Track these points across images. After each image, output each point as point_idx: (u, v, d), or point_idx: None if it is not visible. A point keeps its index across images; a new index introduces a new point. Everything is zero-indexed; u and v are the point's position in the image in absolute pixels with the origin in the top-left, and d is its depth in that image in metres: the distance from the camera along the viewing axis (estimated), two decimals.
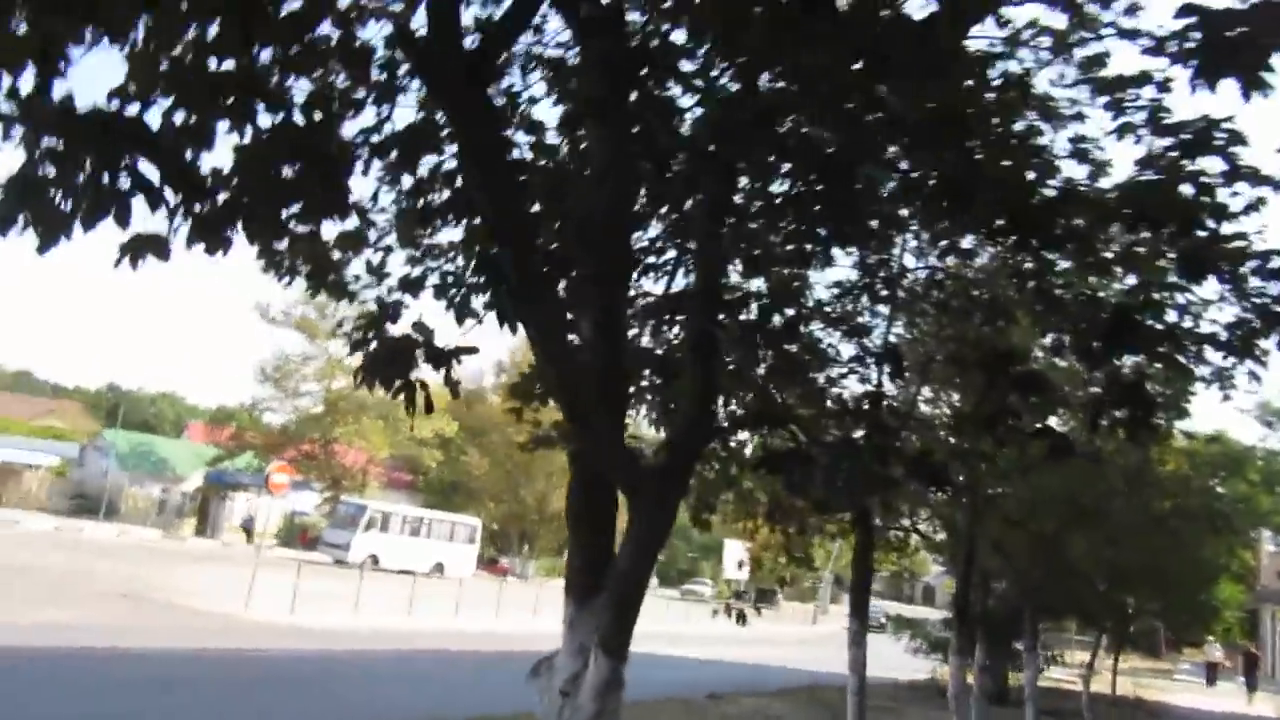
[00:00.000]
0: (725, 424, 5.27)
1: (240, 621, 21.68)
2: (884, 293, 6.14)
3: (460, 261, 5.08)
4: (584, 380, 3.93)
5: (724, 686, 19.55)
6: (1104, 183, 5.89)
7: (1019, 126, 5.36)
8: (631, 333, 5.76)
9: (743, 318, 4.92)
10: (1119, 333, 5.01)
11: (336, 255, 4.64)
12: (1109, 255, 5.65)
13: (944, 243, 5.81)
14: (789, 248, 4.85)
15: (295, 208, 3.53)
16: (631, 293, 5.57)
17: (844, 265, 6.19)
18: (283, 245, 3.85)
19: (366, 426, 51.01)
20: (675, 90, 4.47)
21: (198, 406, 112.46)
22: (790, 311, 4.78)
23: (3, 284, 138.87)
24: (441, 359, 4.24)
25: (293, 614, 23.52)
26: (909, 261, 6.42)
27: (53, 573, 24.75)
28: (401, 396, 4.25)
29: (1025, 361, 5.63)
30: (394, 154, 4.54)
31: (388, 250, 5.16)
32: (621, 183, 4.12)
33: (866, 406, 5.43)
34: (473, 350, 4.30)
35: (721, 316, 4.71)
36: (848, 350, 6.43)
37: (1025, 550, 12.76)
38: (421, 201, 4.80)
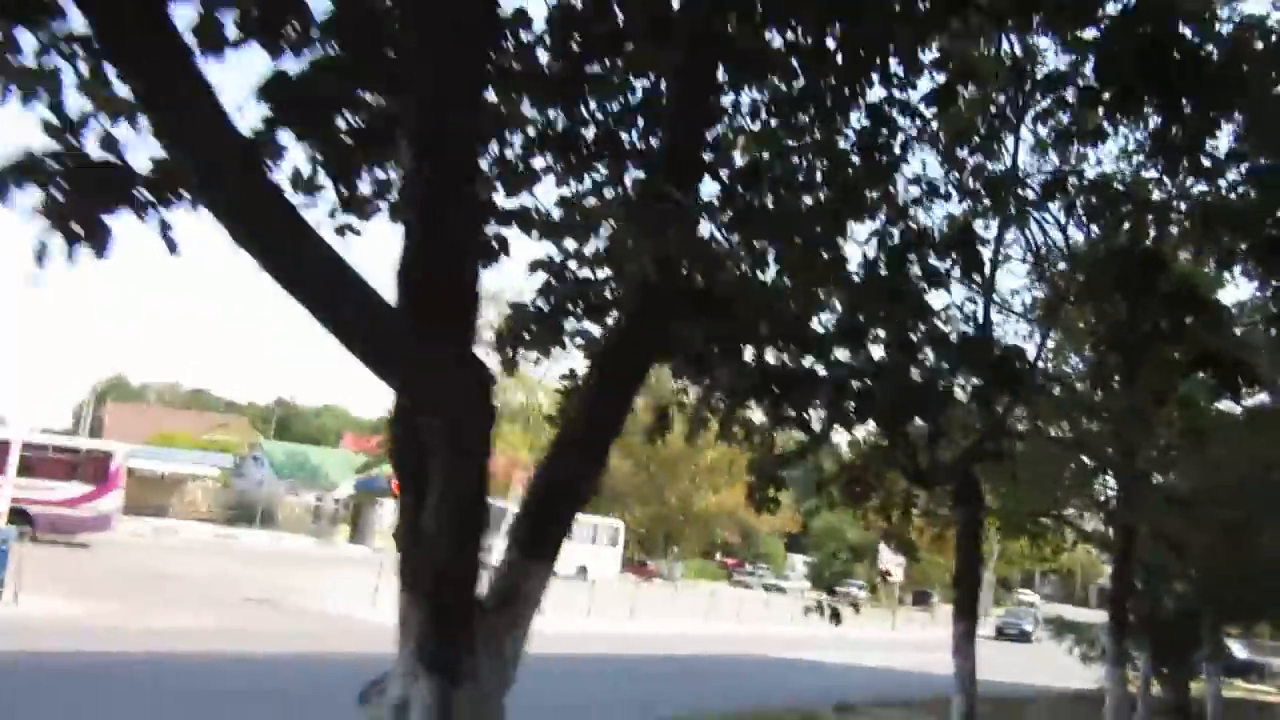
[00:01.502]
0: (716, 347, 3.88)
1: (363, 625, 21.43)
2: (987, 201, 4.70)
3: None
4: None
5: (863, 695, 17.95)
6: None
7: None
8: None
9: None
10: None
11: None
12: None
13: (1065, 121, 4.35)
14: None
15: None
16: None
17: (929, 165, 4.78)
18: None
19: (505, 430, 51.26)
20: None
21: (360, 418, 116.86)
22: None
23: (182, 306, 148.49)
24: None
25: None
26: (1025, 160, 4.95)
27: (198, 579, 25.26)
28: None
29: (1179, 278, 4.13)
30: None
31: None
32: None
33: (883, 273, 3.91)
34: None
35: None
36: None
37: (1202, 542, 10.73)
38: None
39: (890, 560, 79.09)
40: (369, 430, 77.98)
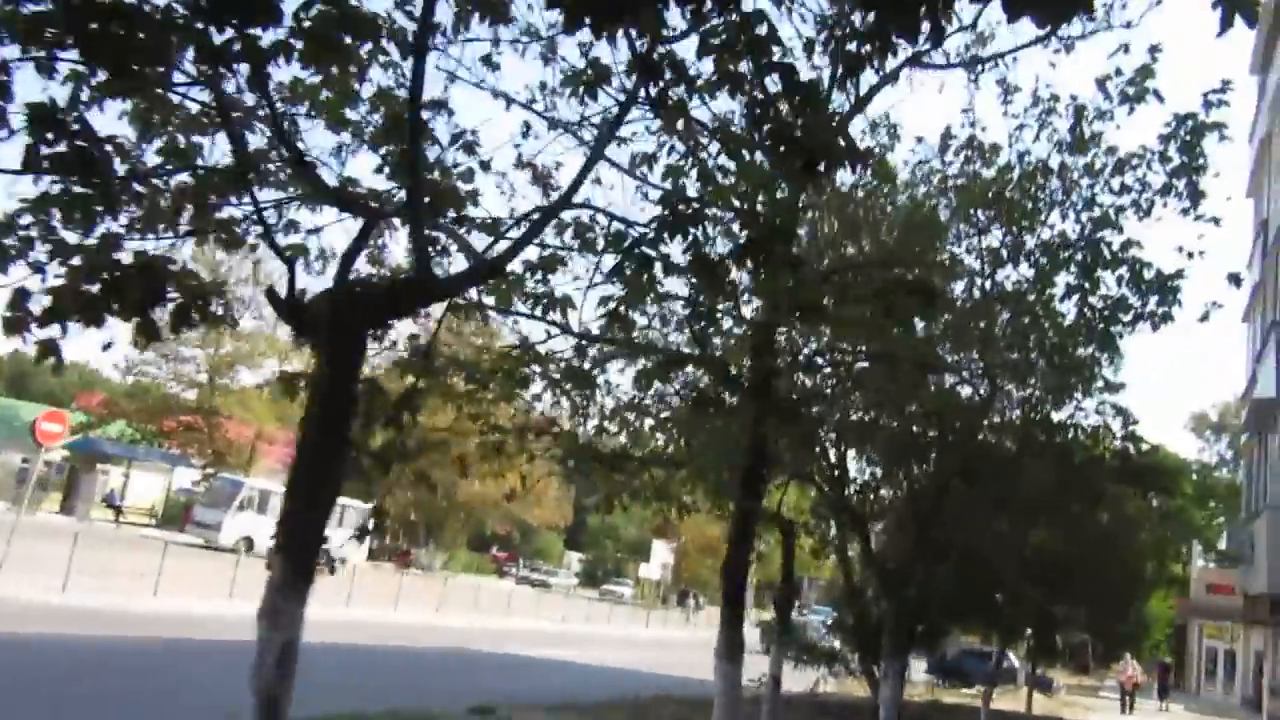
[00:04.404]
0: None
1: None
2: None
3: None
4: None
5: (555, 693, 15.94)
6: None
7: None
8: None
9: None
10: None
11: None
12: None
13: None
14: None
15: None
16: None
17: None
18: None
19: (249, 396, 46.80)
20: None
21: (110, 380, 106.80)
22: None
23: None
24: None
25: (64, 594, 19.67)
26: None
27: None
28: None
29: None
30: None
31: None
32: None
33: None
34: None
35: None
36: None
37: (894, 527, 9.20)
38: None
39: (659, 557, 78.39)
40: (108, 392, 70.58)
